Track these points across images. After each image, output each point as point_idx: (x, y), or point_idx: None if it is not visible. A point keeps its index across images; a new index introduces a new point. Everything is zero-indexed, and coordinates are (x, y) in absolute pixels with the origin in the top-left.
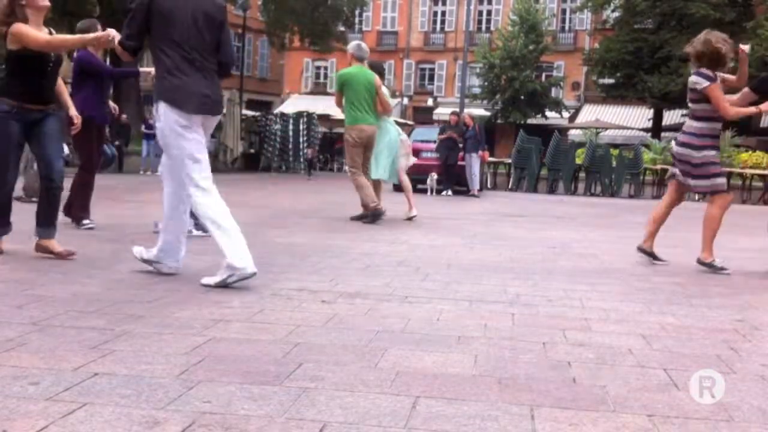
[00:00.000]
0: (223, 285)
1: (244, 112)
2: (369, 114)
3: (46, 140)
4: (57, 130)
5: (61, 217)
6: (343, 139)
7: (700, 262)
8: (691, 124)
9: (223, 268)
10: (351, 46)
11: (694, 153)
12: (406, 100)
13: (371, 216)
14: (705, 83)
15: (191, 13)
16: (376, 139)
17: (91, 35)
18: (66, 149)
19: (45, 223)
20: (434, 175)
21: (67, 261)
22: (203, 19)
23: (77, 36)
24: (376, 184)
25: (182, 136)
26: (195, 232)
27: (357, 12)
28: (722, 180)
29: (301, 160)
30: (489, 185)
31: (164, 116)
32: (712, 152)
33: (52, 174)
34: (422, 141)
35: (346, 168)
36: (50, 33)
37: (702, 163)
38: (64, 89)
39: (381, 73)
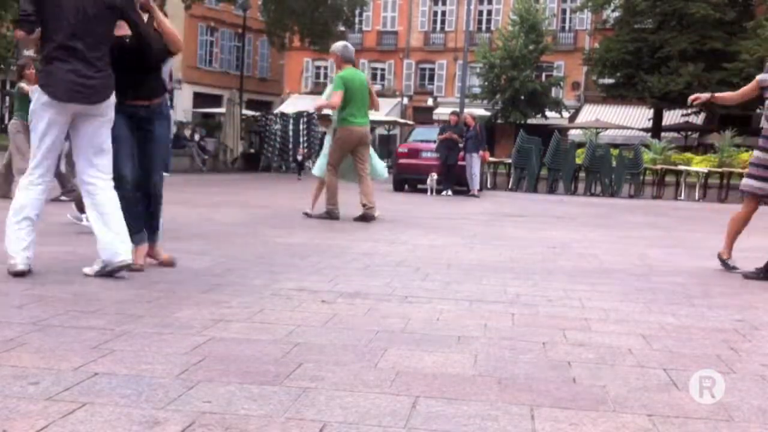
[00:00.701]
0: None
1: (244, 112)
2: (365, 115)
3: (150, 147)
4: (164, 136)
5: (77, 213)
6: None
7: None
8: None
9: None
10: (338, 48)
11: None
12: (406, 100)
13: (327, 214)
14: None
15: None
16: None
17: None
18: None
19: (148, 229)
20: (434, 175)
21: (67, 261)
22: (93, 6)
23: None
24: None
25: (43, 118)
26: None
27: (357, 12)
28: None
29: (291, 159)
30: (489, 185)
31: (36, 99)
32: None
33: (148, 186)
34: (422, 141)
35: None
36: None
37: None
38: None
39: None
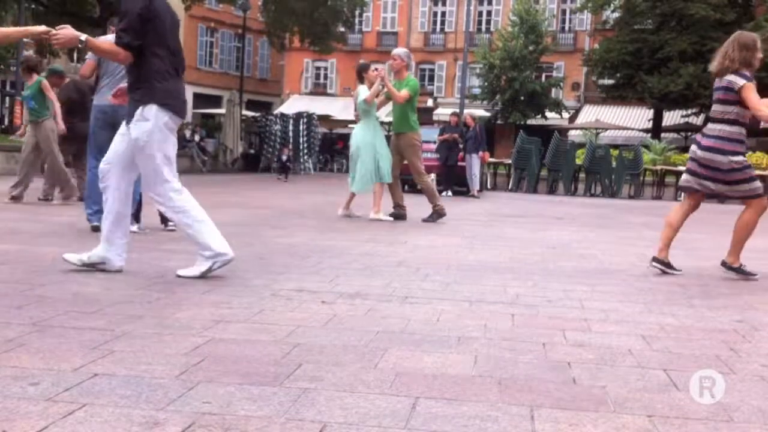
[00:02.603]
0: (209, 272)
1: (244, 112)
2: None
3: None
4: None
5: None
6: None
7: (727, 266)
8: (718, 128)
9: (205, 258)
10: (404, 53)
11: (725, 158)
12: None
13: (437, 215)
14: (741, 82)
15: (173, 18)
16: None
17: (40, 28)
18: None
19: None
20: (432, 176)
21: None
22: (176, 25)
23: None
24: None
25: (168, 138)
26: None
27: (357, 12)
28: (759, 183)
29: (275, 160)
30: (489, 186)
31: (155, 118)
32: (743, 157)
33: None
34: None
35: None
36: None
37: (734, 168)
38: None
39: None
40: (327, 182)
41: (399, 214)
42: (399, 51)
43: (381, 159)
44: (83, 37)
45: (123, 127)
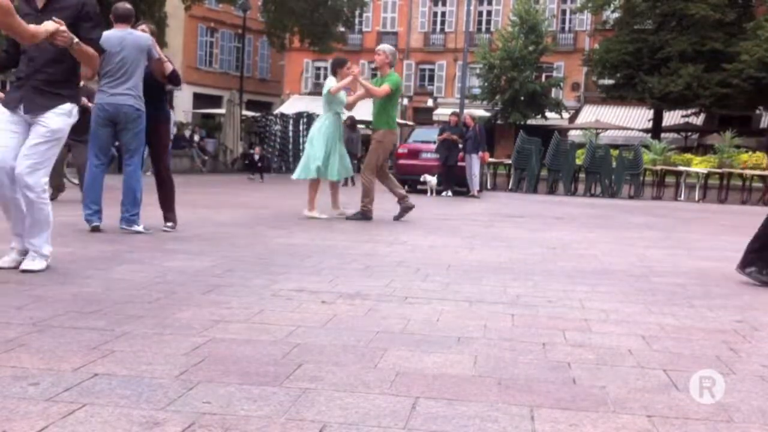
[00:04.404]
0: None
1: (244, 112)
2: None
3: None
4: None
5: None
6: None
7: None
8: None
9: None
10: (389, 49)
11: None
12: (406, 101)
13: (362, 214)
14: None
15: None
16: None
17: (53, 25)
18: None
19: None
20: (427, 176)
21: (67, 262)
22: None
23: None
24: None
25: None
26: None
27: (357, 13)
28: None
29: (247, 160)
30: (489, 186)
31: (73, 119)
32: None
33: None
34: (422, 142)
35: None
36: None
37: None
38: None
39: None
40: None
41: (405, 207)
42: (383, 47)
43: (332, 155)
44: (77, 39)
45: (10, 116)
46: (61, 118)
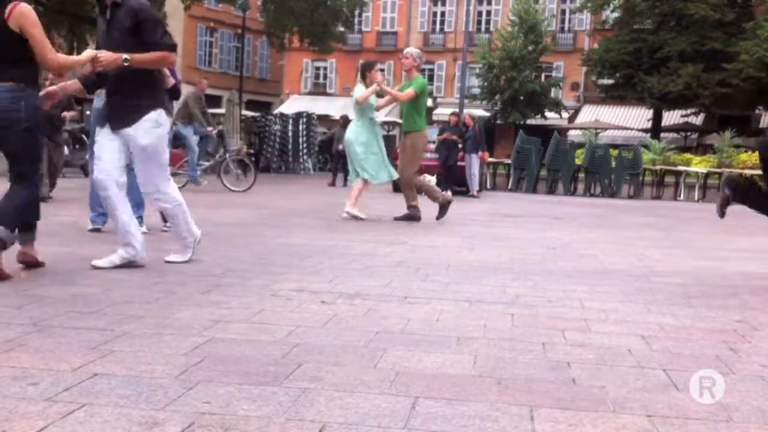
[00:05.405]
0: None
1: (244, 112)
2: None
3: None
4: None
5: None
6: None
7: None
8: None
9: (187, 245)
10: (416, 53)
11: None
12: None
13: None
14: None
15: None
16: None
17: (89, 54)
18: None
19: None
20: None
21: (67, 262)
22: None
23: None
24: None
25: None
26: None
27: (356, 12)
28: None
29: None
30: (488, 186)
31: (166, 121)
32: None
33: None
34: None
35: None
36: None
37: None
38: None
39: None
40: (326, 182)
41: (412, 215)
42: (411, 50)
43: (368, 158)
44: (125, 56)
45: (108, 133)
46: (147, 131)
